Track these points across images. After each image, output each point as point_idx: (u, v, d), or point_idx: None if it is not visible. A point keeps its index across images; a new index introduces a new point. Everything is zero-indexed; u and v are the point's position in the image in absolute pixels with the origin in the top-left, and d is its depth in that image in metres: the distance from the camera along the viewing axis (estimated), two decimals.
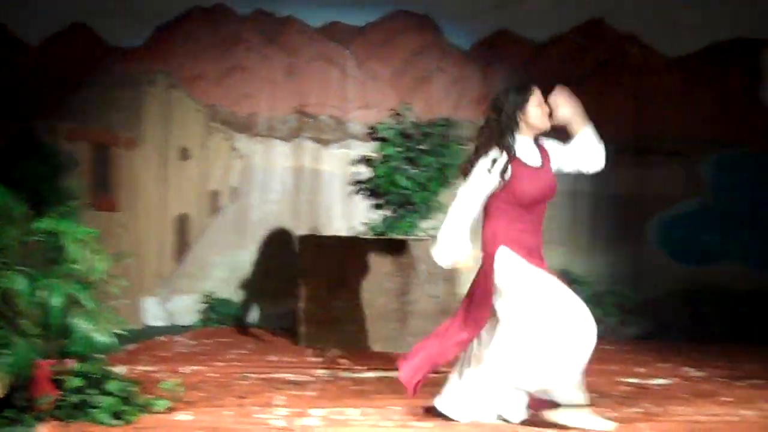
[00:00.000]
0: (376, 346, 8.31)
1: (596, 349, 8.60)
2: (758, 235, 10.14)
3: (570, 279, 9.54)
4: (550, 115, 5.44)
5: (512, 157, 5.32)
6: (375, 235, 9.19)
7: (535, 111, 5.41)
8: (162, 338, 8.71)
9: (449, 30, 10.36)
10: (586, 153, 5.63)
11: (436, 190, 9.24)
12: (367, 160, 9.84)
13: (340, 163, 10.12)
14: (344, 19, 10.33)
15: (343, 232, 9.72)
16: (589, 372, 7.26)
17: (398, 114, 9.80)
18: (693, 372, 7.54)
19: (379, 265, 8.39)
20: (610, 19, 10.36)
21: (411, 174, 9.23)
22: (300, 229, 9.68)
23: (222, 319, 9.66)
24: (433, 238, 5.57)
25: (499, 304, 5.43)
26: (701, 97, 10.27)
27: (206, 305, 9.72)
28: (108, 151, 9.62)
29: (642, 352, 8.60)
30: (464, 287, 9.22)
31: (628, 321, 9.65)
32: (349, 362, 7.64)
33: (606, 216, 10.22)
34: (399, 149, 9.42)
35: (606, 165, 9.70)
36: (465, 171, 5.45)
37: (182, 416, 5.41)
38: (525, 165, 5.38)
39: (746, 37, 10.23)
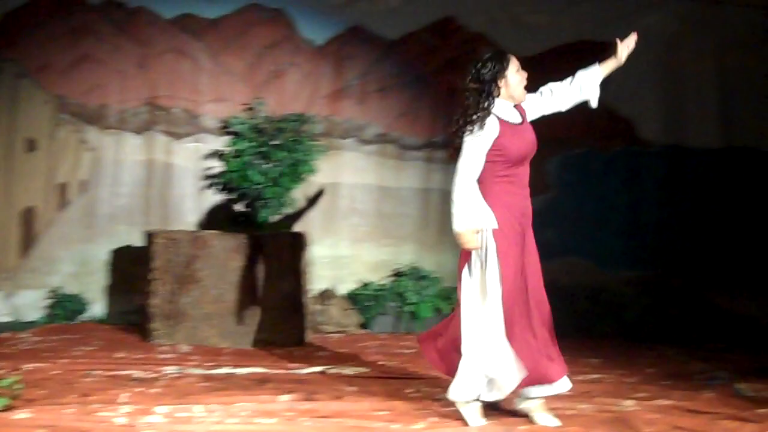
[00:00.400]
0: (226, 342, 8.28)
1: None
2: (601, 231, 10.47)
3: (419, 275, 9.75)
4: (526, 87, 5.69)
5: (497, 117, 5.48)
6: (226, 229, 9.13)
7: (514, 78, 5.63)
8: (5, 334, 8.47)
9: (303, 25, 10.38)
10: (584, 88, 6.24)
11: (288, 186, 9.24)
12: (219, 155, 9.77)
13: (192, 157, 10.03)
14: (197, 12, 10.23)
15: (194, 226, 9.66)
16: (425, 365, 7.46)
17: (251, 108, 9.77)
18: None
19: (229, 260, 8.36)
20: (461, 19, 10.54)
21: (263, 169, 9.21)
22: (151, 224, 9.57)
23: (69, 315, 9.46)
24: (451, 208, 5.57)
25: (464, 275, 5.63)
26: None
27: (53, 301, 9.51)
28: None
29: None
30: (315, 282, 9.37)
31: None
32: (198, 358, 7.58)
33: None
34: (252, 144, 9.39)
35: (455, 162, 9.91)
36: (455, 145, 5.59)
37: (21, 415, 5.28)
38: (509, 123, 5.53)
39: (589, 39, 10.52)
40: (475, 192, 5.48)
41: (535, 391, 5.61)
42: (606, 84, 10.33)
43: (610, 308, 10.02)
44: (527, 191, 5.67)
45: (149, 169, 9.97)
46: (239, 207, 9.37)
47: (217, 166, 9.80)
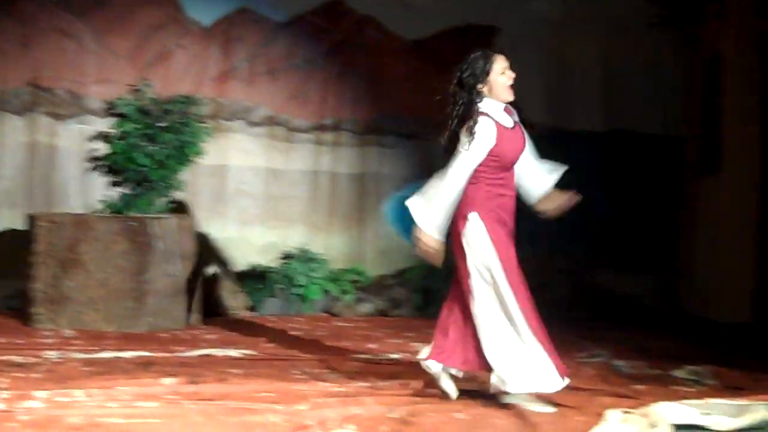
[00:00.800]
0: (111, 326, 8.18)
1: (332, 326, 8.89)
2: None
3: (308, 257, 9.76)
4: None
5: (495, 123, 5.47)
6: (112, 212, 9.02)
7: (498, 79, 5.57)
8: None
9: (190, 5, 10.28)
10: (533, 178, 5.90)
11: (174, 168, 9.16)
12: (104, 137, 9.63)
13: (76, 139, 9.86)
14: None
15: (79, 209, 9.49)
16: (323, 349, 7.50)
17: (137, 90, 9.63)
18: (422, 347, 7.78)
19: (115, 243, 8.26)
20: (349, 1, 10.54)
21: (149, 151, 9.11)
22: (34, 207, 9.38)
23: None
24: (416, 202, 5.66)
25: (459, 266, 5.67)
26: (435, 80, 10.53)
27: None
28: None
29: (376, 329, 8.86)
30: (203, 265, 9.32)
31: (365, 298, 9.89)
32: (81, 343, 7.48)
33: (344, 195, 10.45)
34: (137, 126, 9.28)
35: (344, 144, 9.98)
36: (448, 147, 5.62)
37: None
38: (504, 128, 5.52)
39: (476, 23, 10.64)
40: (454, 202, 5.50)
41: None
42: None
43: None
44: (515, 192, 5.73)
45: (32, 151, 9.76)
46: (125, 189, 9.25)
47: (102, 148, 9.66)
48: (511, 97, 5.63)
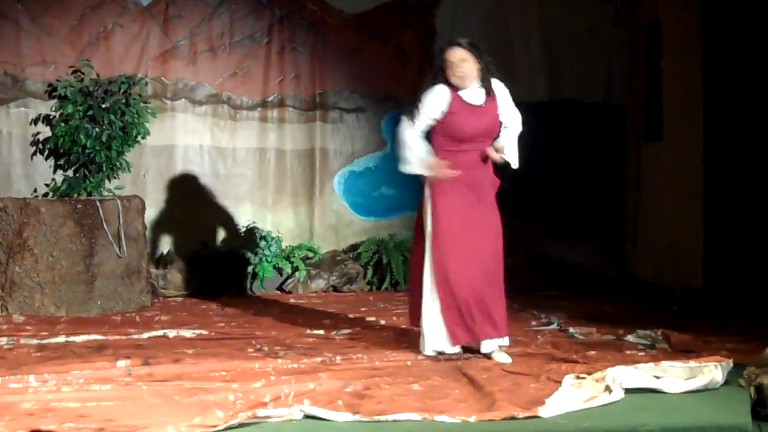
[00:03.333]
0: (62, 311, 8.12)
1: (286, 305, 8.89)
2: None
3: (259, 235, 9.73)
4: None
5: (455, 94, 6.04)
6: (58, 196, 8.92)
7: (449, 72, 6.05)
8: None
9: None
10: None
11: (120, 149, 9.02)
12: (47, 119, 9.48)
13: (18, 123, 9.78)
14: None
15: (25, 194, 9.36)
16: (276, 326, 7.52)
17: (78, 71, 9.49)
18: (375, 321, 7.86)
19: (62, 226, 8.19)
20: None
21: (94, 133, 8.98)
22: None
23: None
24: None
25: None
26: (379, 53, 10.61)
27: None
28: None
29: (329, 305, 8.87)
30: (153, 246, 9.29)
31: (317, 275, 9.88)
32: (33, 329, 7.41)
33: (291, 172, 10.43)
34: (80, 108, 9.13)
35: (289, 121, 9.94)
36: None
37: None
38: (464, 101, 6.06)
39: None
40: (421, 138, 6.16)
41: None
42: (435, 41, 10.59)
43: None
44: (478, 166, 6.15)
45: None
46: (70, 173, 9.14)
47: (45, 131, 9.52)
48: (463, 85, 6.08)
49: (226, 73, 10.34)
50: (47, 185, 9.01)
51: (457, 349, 6.21)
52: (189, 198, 10.15)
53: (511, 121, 6.27)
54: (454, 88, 6.07)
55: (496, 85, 6.21)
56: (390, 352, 6.39)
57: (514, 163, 6.32)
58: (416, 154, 6.12)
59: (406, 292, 9.48)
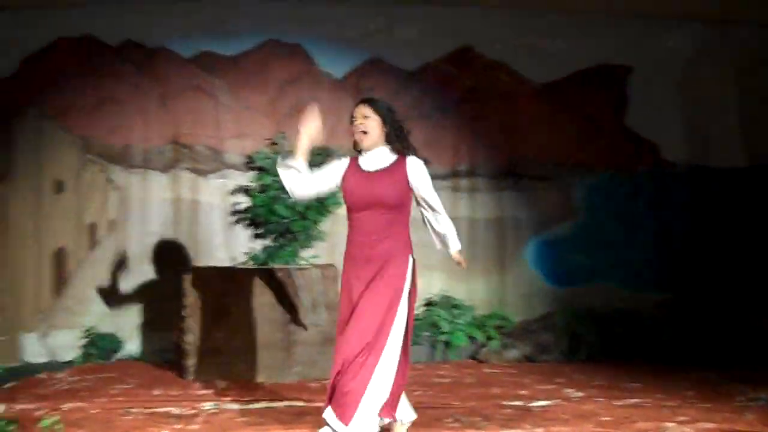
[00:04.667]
0: (261, 377, 8.27)
1: (479, 373, 8.83)
2: (628, 255, 10.46)
3: (451, 304, 9.73)
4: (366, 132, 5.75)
5: (353, 160, 5.79)
6: (256, 264, 9.16)
7: (353, 128, 5.79)
8: (42, 375, 8.50)
9: (321, 59, 10.44)
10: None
11: (315, 219, 9.25)
12: (245, 190, 9.82)
13: (218, 194, 10.09)
14: (215, 49, 10.30)
15: (224, 262, 9.67)
16: (473, 396, 7.44)
17: (274, 143, 9.79)
18: (573, 393, 7.71)
19: (261, 294, 8.37)
20: (478, 47, 10.57)
21: (290, 203, 9.22)
22: (180, 261, 9.61)
23: (104, 353, 9.49)
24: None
25: None
26: (570, 122, 10.57)
27: (87, 340, 9.54)
28: None
29: (524, 375, 8.76)
30: None
31: (510, 344, 9.78)
32: (234, 393, 7.59)
33: (483, 240, 10.42)
34: (276, 178, 9.37)
35: (480, 190, 9.95)
36: None
37: None
38: (359, 169, 5.72)
39: (611, 63, 10.58)
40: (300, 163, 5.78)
41: None
42: (629, 107, 10.52)
43: (644, 332, 9.92)
44: (374, 237, 5.68)
45: (176, 206, 10.04)
46: (268, 241, 9.39)
47: (243, 201, 9.84)
48: (360, 143, 5.78)
49: (416, 144, 10.34)
50: (246, 254, 9.25)
51: None
52: None
53: (431, 204, 5.92)
54: (356, 158, 5.80)
55: (412, 162, 5.78)
56: (591, 426, 6.25)
57: (455, 247, 6.06)
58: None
59: (601, 363, 9.37)
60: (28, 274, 9.74)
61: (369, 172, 5.69)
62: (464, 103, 10.56)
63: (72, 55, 10.05)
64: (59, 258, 9.83)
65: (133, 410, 6.80)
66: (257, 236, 9.22)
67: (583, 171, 10.47)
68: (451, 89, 10.57)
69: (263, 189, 9.47)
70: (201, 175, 10.12)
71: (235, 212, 9.82)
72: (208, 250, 9.97)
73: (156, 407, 6.94)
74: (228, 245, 9.96)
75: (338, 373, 5.50)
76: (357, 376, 5.43)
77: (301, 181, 5.76)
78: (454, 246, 6.00)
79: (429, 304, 10.06)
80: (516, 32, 10.58)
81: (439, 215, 5.94)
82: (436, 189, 10.25)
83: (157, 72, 10.20)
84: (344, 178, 5.73)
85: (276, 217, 9.22)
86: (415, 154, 5.85)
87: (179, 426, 6.22)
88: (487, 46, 10.60)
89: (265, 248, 9.26)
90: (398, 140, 5.78)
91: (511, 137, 10.50)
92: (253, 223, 9.38)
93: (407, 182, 5.73)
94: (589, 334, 9.76)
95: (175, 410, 6.83)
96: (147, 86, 10.19)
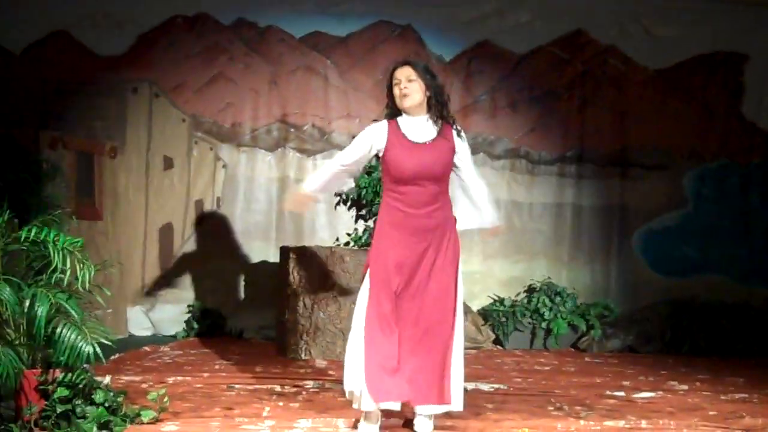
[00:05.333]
0: None
1: (580, 362, 8.71)
2: (739, 247, 10.22)
3: (553, 291, 9.63)
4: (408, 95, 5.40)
5: (396, 128, 5.42)
6: (359, 245, 9.16)
7: (395, 90, 5.44)
8: (147, 348, 8.63)
9: (431, 41, 10.40)
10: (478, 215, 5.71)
11: None
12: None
13: None
14: (326, 29, 10.34)
15: (327, 242, 9.69)
16: (574, 385, 7.33)
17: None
18: (678, 385, 7.54)
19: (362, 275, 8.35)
20: (592, 31, 10.41)
21: None
22: (284, 240, 9.67)
23: (207, 329, 9.60)
24: None
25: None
26: (683, 109, 10.36)
27: (191, 315, 9.67)
28: (91, 160, 9.55)
29: (626, 365, 8.60)
30: None
31: (612, 334, 9.64)
32: (335, 373, 7.59)
33: (589, 228, 10.30)
34: None
35: (587, 176, 9.81)
36: None
37: (168, 427, 5.38)
38: (405, 139, 5.41)
39: (726, 50, 10.31)
40: (328, 171, 5.66)
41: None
42: (744, 96, 10.26)
43: (752, 326, 9.69)
44: (424, 210, 5.42)
45: (282, 185, 10.11)
46: (371, 223, 9.38)
47: (348, 181, 9.84)
48: (404, 105, 5.42)
49: (525, 128, 10.37)
50: (349, 234, 9.27)
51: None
52: (483, 251, 10.18)
53: (474, 174, 5.62)
54: (396, 124, 5.44)
55: (458, 133, 5.52)
56: (697, 419, 6.10)
57: (494, 221, 5.74)
58: (306, 182, 5.74)
59: (705, 356, 9.17)
60: (135, 248, 9.91)
61: (416, 143, 5.39)
62: (575, 88, 10.42)
63: (186, 32, 10.17)
64: (166, 233, 9.98)
65: (236, 386, 6.85)
66: (360, 217, 9.20)
67: (694, 160, 10.28)
68: (562, 74, 10.44)
69: (369, 170, 9.45)
70: (307, 154, 10.18)
71: (339, 193, 9.83)
72: (312, 229, 10.04)
73: (258, 384, 6.98)
74: (331, 225, 10.01)
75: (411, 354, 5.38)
76: (440, 353, 5.40)
77: (334, 179, 5.73)
78: (494, 217, 5.72)
79: (531, 290, 9.96)
80: (629, 17, 10.40)
81: (481, 183, 5.66)
82: (542, 174, 10.27)
83: (267, 51, 10.28)
84: (387, 148, 5.41)
85: (380, 199, 9.19)
86: (455, 122, 5.58)
87: (283, 403, 6.25)
88: (599, 31, 10.45)
89: (368, 229, 9.24)
90: (440, 106, 5.46)
91: (621, 124, 10.34)
92: (357, 204, 9.37)
93: (453, 153, 5.48)
94: (694, 326, 9.55)
95: (277, 387, 6.86)
96: (257, 65, 10.27)
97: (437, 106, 5.44)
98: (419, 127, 5.43)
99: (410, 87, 5.37)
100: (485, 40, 10.44)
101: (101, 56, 9.96)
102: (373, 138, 5.46)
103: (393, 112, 5.50)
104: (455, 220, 5.57)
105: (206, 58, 10.18)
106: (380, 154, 5.47)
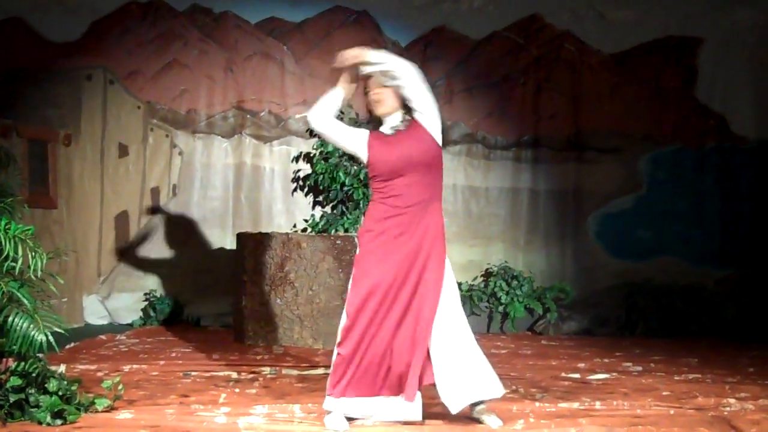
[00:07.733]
0: (319, 343, 8.29)
1: (537, 345, 8.77)
2: (692, 230, 10.31)
3: (511, 275, 9.69)
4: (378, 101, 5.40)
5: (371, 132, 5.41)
6: (316, 231, 9.18)
7: (368, 97, 5.46)
8: (103, 337, 8.60)
9: (387, 26, 10.41)
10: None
11: None
12: (307, 157, 9.83)
13: (280, 160, 10.14)
14: (282, 15, 10.34)
15: (284, 228, 9.72)
16: (531, 368, 7.38)
17: (339, 111, 9.76)
18: (632, 367, 7.62)
19: (320, 261, 8.37)
20: (546, 17, 10.45)
21: (352, 171, 9.21)
22: (241, 227, 9.67)
23: (163, 317, 9.59)
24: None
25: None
26: (637, 93, 10.42)
27: (147, 303, 9.65)
28: (45, 147, 9.44)
29: (582, 348, 8.70)
30: None
31: (569, 316, 9.73)
32: (292, 359, 7.62)
33: (544, 212, 10.35)
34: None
35: (543, 161, 9.86)
36: None
37: (123, 415, 5.35)
38: (380, 134, 5.38)
39: (680, 34, 10.39)
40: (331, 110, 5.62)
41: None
42: (698, 80, 10.34)
43: (706, 307, 9.82)
44: (412, 205, 5.31)
45: (238, 172, 10.12)
46: (328, 209, 9.40)
47: (305, 168, 9.86)
48: (377, 112, 5.42)
49: (481, 113, 10.39)
50: (306, 221, 9.27)
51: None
52: None
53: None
54: (377, 130, 5.41)
55: (420, 115, 5.34)
56: (651, 400, 6.16)
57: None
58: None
59: (660, 337, 9.28)
60: (90, 236, 9.87)
61: (393, 135, 5.32)
62: (530, 73, 10.45)
63: (140, 19, 10.14)
64: (121, 221, 9.94)
65: (193, 373, 6.84)
66: (317, 203, 9.23)
67: (649, 144, 10.34)
68: (518, 59, 10.47)
69: (326, 156, 9.46)
70: (264, 141, 10.16)
71: (296, 179, 9.84)
72: (269, 216, 10.04)
73: (215, 371, 6.98)
74: (289, 212, 10.03)
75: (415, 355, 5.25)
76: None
77: (327, 108, 5.62)
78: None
79: (488, 274, 10.02)
80: (583, 2, 10.44)
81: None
82: (498, 159, 10.28)
83: (223, 37, 10.25)
84: (369, 146, 5.35)
85: (337, 185, 9.22)
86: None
87: (238, 390, 6.24)
88: (554, 16, 10.48)
89: (326, 215, 9.27)
90: (412, 102, 5.35)
91: (576, 108, 10.38)
92: (314, 190, 9.39)
93: (429, 133, 5.32)
94: (648, 308, 9.66)
95: (233, 374, 6.86)
96: (213, 51, 10.25)
97: (410, 102, 5.35)
98: (395, 122, 5.38)
99: (382, 93, 5.37)
100: (441, 26, 10.46)
101: (55, 43, 9.92)
102: (360, 133, 5.45)
103: (376, 124, 5.46)
104: (444, 233, 5.45)
105: (161, 45, 10.15)
106: (365, 160, 5.40)
